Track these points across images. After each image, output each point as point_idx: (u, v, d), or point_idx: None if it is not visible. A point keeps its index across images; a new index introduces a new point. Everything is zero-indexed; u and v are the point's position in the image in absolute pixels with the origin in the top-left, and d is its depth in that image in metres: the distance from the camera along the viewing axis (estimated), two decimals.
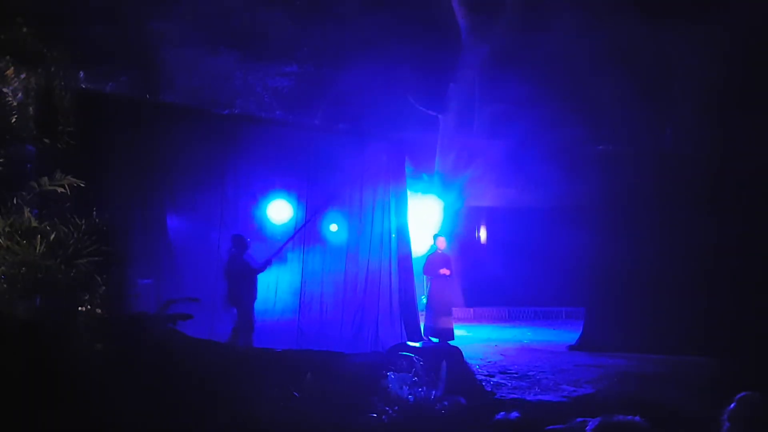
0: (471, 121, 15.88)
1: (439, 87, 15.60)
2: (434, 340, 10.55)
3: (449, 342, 10.32)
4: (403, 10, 14.76)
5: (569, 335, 12.16)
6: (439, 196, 14.15)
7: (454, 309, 11.53)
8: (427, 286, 14.74)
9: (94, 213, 6.11)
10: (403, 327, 10.27)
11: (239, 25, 14.46)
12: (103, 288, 5.88)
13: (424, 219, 13.08)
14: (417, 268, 11.17)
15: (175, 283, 8.39)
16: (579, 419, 5.87)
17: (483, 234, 16.96)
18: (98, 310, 5.83)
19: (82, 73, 10.43)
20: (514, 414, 3.19)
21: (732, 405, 3.41)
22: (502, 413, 3.22)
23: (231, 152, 9.40)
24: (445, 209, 13.63)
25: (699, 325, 9.79)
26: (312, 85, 15.80)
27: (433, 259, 11.00)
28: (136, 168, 8.36)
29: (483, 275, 15.16)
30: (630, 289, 10.42)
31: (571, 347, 10.54)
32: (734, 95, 12.95)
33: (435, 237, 11.29)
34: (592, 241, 11.27)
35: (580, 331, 10.81)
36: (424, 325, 10.81)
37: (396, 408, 6.00)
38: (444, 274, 10.85)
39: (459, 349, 9.22)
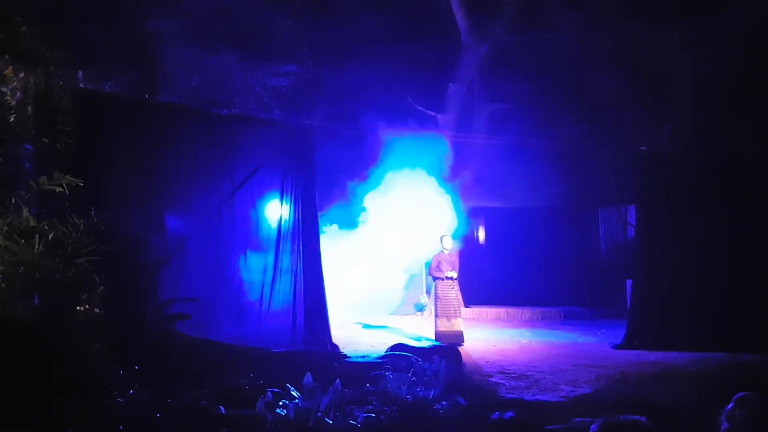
0: (470, 120, 15.89)
1: (438, 87, 15.62)
2: (434, 343, 10.50)
3: (458, 346, 10.16)
4: (402, 10, 14.76)
5: (567, 335, 12.20)
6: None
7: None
8: (432, 288, 14.76)
9: (93, 212, 6.11)
10: (305, 331, 9.59)
11: (238, 24, 14.45)
12: (102, 287, 5.89)
13: (435, 219, 13.02)
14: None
15: (174, 283, 8.39)
16: (577, 419, 5.88)
17: (482, 234, 16.96)
18: (97, 310, 5.84)
19: (80, 73, 10.42)
20: (509, 414, 3.19)
21: (730, 405, 3.40)
22: (497, 413, 3.22)
23: (230, 152, 9.42)
24: (456, 209, 13.55)
25: (747, 322, 9.85)
26: (312, 84, 15.79)
27: (440, 260, 10.77)
28: (134, 167, 8.36)
29: (481, 275, 15.15)
30: (674, 287, 10.48)
31: (616, 346, 10.54)
32: (735, 94, 12.99)
33: (441, 237, 11.10)
34: (634, 241, 11.48)
35: (625, 330, 10.84)
36: (435, 331, 10.63)
37: (394, 408, 6.00)
38: (451, 277, 10.62)
39: (458, 349, 9.24)
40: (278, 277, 9.63)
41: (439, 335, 10.53)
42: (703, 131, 13.18)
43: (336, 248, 13.52)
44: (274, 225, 9.81)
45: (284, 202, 9.88)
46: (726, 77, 13.25)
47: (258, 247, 9.66)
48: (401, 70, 15.18)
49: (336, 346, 9.68)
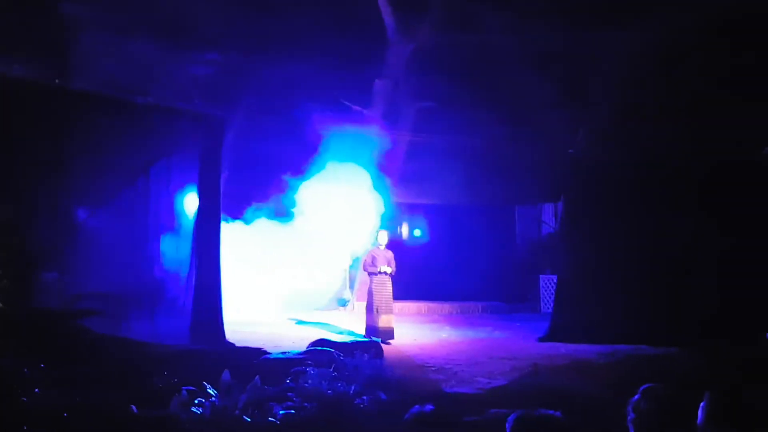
0: (397, 117, 16.00)
1: (365, 82, 15.62)
2: (357, 337, 10.53)
3: (389, 341, 10.24)
4: (330, 3, 14.66)
5: (484, 329, 12.51)
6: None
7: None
8: (357, 283, 14.76)
9: None
10: (197, 328, 9.13)
11: (158, 9, 13.95)
12: (6, 281, 5.58)
13: (363, 213, 12.98)
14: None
15: (82, 278, 8.03)
16: (493, 410, 6.06)
17: (404, 230, 17.14)
18: (1, 305, 5.53)
19: None
20: (428, 407, 3.25)
21: (636, 396, 3.58)
22: (417, 406, 3.27)
23: (144, 142, 9.10)
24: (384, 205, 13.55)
25: (659, 318, 10.33)
26: (235, 75, 15.46)
27: (375, 255, 10.72)
28: (43, 157, 7.93)
29: (403, 271, 15.34)
30: (595, 283, 10.90)
31: (540, 338, 10.85)
32: (651, 99, 13.64)
33: (377, 232, 11.06)
34: (560, 238, 11.96)
35: (548, 323, 11.23)
36: (366, 325, 10.64)
37: (314, 403, 5.98)
38: (385, 272, 10.55)
39: (379, 344, 9.31)
40: (190, 273, 9.37)
41: (370, 330, 10.53)
42: (615, 136, 13.75)
43: (265, 243, 13.37)
44: (189, 217, 9.55)
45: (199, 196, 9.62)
46: (638, 84, 13.89)
47: (172, 240, 9.38)
48: (329, 64, 15.08)
49: (231, 344, 9.22)
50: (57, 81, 11.59)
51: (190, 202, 9.58)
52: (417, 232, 17.22)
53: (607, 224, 11.06)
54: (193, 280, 9.31)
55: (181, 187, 9.53)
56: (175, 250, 9.36)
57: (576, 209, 11.54)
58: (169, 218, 9.42)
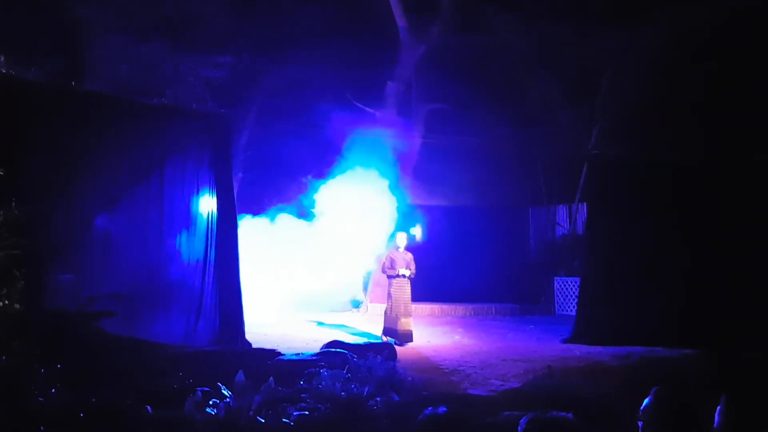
0: (409, 120, 16.02)
1: (377, 84, 15.64)
2: (371, 339, 10.54)
3: (407, 344, 10.24)
4: (342, 6, 14.71)
5: (498, 331, 12.46)
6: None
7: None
8: (370, 285, 14.74)
9: (13, 204, 5.85)
10: (217, 325, 9.23)
11: (171, 11, 14.04)
12: (22, 282, 5.64)
13: (380, 215, 13.00)
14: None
15: (97, 279, 8.10)
16: (506, 413, 6.05)
17: (418, 232, 17.13)
18: (17, 305, 5.59)
19: (2, 58, 9.91)
20: (442, 409, 3.26)
21: (648, 398, 3.58)
22: (430, 408, 3.28)
23: (158, 143, 9.15)
24: (399, 207, 13.54)
25: (682, 319, 10.17)
26: (247, 77, 15.53)
27: (394, 258, 10.68)
28: (58, 158, 8.00)
29: (417, 273, 15.38)
30: (619, 285, 10.80)
31: (563, 340, 10.80)
32: (655, 101, 13.55)
33: (393, 234, 11.03)
34: (585, 240, 11.92)
35: (572, 325, 11.20)
36: (383, 327, 10.63)
37: (328, 405, 5.99)
38: (404, 275, 10.51)
39: (392, 346, 9.30)
40: (206, 273, 9.42)
41: (388, 333, 10.52)
42: (630, 136, 13.67)
43: (280, 244, 13.43)
44: (203, 219, 9.59)
45: (213, 195, 9.66)
46: (647, 84, 13.80)
47: (187, 240, 9.43)
48: (341, 66, 15.11)
49: (248, 344, 9.27)
50: (72, 83, 11.71)
51: (203, 202, 9.63)
52: (420, 231, 17.17)
53: (630, 225, 10.96)
54: (211, 280, 9.35)
55: (193, 186, 9.56)
56: (189, 250, 9.41)
57: (599, 210, 11.44)
58: (183, 218, 9.47)
